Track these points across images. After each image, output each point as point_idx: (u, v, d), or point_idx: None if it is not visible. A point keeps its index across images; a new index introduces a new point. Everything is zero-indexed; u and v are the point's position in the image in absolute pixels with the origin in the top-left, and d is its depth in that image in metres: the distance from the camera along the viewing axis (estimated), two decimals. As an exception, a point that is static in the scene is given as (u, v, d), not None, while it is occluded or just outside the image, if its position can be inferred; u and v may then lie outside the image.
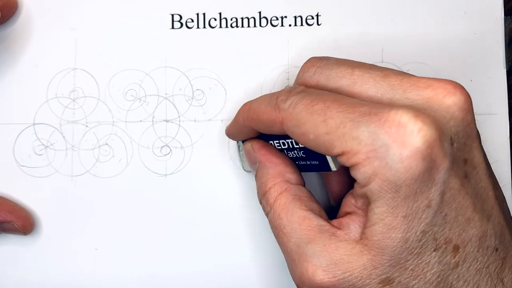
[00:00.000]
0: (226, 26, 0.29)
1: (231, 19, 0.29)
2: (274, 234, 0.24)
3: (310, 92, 0.22)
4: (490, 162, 0.28)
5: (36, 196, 0.29)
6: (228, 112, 0.29)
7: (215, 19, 0.29)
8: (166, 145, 0.29)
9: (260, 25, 0.29)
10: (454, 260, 0.21)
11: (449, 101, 0.20)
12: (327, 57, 0.24)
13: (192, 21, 0.29)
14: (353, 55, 0.29)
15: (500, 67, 0.29)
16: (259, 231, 0.29)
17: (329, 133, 0.20)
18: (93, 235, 0.29)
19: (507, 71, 0.29)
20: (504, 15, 0.29)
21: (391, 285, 0.21)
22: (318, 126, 0.21)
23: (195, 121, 0.29)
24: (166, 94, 0.29)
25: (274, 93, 0.23)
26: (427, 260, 0.21)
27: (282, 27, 0.29)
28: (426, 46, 0.29)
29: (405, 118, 0.19)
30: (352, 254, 0.21)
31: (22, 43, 0.29)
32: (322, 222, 0.23)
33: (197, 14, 0.29)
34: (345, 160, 0.20)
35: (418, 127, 0.19)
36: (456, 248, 0.21)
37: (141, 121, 0.29)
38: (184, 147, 0.29)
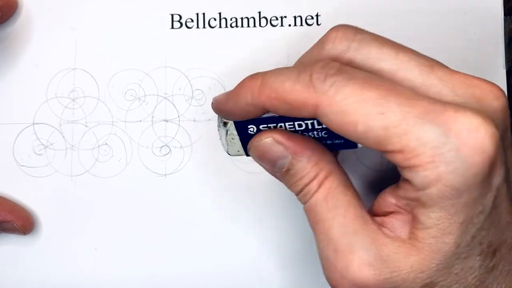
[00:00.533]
0: (226, 26, 0.29)
1: (231, 19, 0.29)
2: (312, 222, 0.21)
3: (354, 74, 0.19)
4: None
5: (36, 196, 0.29)
6: (227, 112, 0.29)
7: (215, 19, 0.29)
8: (165, 145, 0.29)
9: (260, 25, 0.29)
10: (491, 264, 0.20)
11: (497, 104, 0.20)
12: (361, 29, 0.21)
13: (192, 21, 0.29)
14: (353, 55, 0.29)
15: (500, 67, 0.29)
16: (259, 231, 0.29)
17: (387, 128, 0.18)
18: (93, 235, 0.29)
19: (507, 71, 0.29)
20: (504, 15, 0.29)
21: None
22: (373, 118, 0.18)
23: (194, 121, 0.29)
24: (165, 94, 0.29)
25: (301, 67, 0.20)
26: (471, 265, 0.20)
27: (282, 27, 0.29)
28: (426, 46, 0.29)
29: (475, 121, 0.18)
30: (399, 253, 0.20)
31: (22, 43, 0.29)
32: (366, 214, 0.21)
33: (197, 14, 0.29)
34: (401, 160, 0.18)
35: (490, 132, 0.18)
36: (494, 252, 0.20)
37: (140, 121, 0.29)
38: (184, 147, 0.29)
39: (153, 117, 0.29)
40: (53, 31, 0.29)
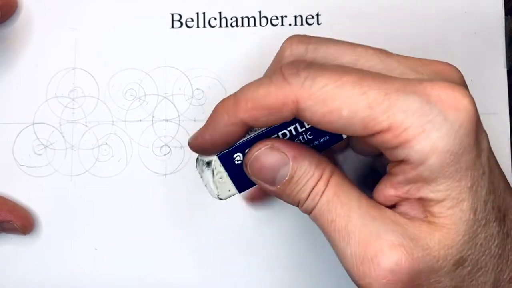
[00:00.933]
0: (226, 26, 0.29)
1: (231, 19, 0.29)
2: (326, 223, 0.20)
3: (325, 65, 0.19)
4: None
5: (36, 196, 0.29)
6: (228, 111, 0.29)
7: (215, 19, 0.29)
8: (165, 145, 0.29)
9: (260, 25, 0.29)
10: (505, 229, 0.20)
11: (457, 74, 0.20)
12: (311, 36, 0.22)
13: (192, 20, 0.29)
14: (353, 55, 0.29)
15: (500, 66, 0.29)
16: (259, 231, 0.29)
17: (372, 107, 0.18)
18: (93, 235, 0.29)
19: (507, 71, 0.29)
20: (505, 15, 0.29)
21: (463, 265, 0.19)
22: (356, 99, 0.18)
23: (194, 120, 0.29)
24: (165, 93, 0.29)
25: (270, 72, 0.20)
26: (491, 232, 0.19)
27: (282, 27, 0.29)
28: (426, 46, 0.29)
29: (450, 87, 0.18)
30: (423, 232, 0.19)
31: (22, 43, 0.29)
32: (377, 203, 0.20)
33: (197, 14, 0.29)
34: (391, 138, 0.18)
35: (465, 93, 0.18)
36: (504, 217, 0.20)
37: (140, 120, 0.29)
38: (184, 147, 0.29)
39: (153, 116, 0.29)
40: (53, 31, 0.29)
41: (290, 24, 0.29)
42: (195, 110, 0.29)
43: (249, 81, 0.29)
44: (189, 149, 0.29)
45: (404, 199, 0.20)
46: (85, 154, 0.29)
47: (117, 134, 0.29)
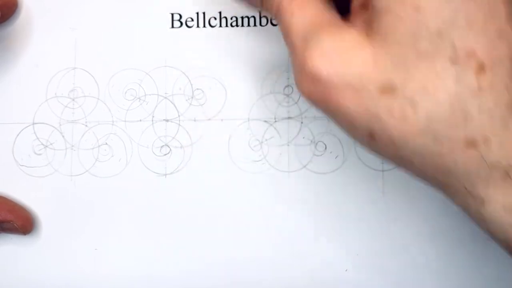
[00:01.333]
0: (226, 25, 0.29)
1: (231, 18, 0.29)
2: (283, 35, 0.20)
3: None
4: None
5: (36, 196, 0.29)
6: (228, 111, 0.29)
7: (215, 18, 0.29)
8: (165, 145, 0.29)
9: (260, 24, 0.29)
10: (477, 84, 0.17)
11: None
12: None
13: (192, 20, 0.29)
14: (353, 55, 0.29)
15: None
16: (259, 231, 0.29)
17: None
18: (93, 235, 0.29)
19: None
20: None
21: (392, 94, 0.17)
22: None
23: (195, 120, 0.29)
24: (165, 93, 0.29)
25: None
26: (440, 72, 0.17)
27: (282, 27, 0.29)
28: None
29: None
30: (355, 45, 0.18)
31: (22, 43, 0.29)
32: (335, 17, 0.19)
33: (197, 13, 0.29)
34: None
35: None
36: (481, 67, 0.17)
37: (140, 120, 0.29)
38: (184, 147, 0.29)
39: (153, 116, 0.29)
40: (53, 31, 0.29)
41: (290, 24, 0.29)
42: (195, 110, 0.29)
43: (249, 81, 0.29)
44: (189, 149, 0.29)
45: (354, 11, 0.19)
46: (85, 154, 0.29)
47: (117, 134, 0.29)
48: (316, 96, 0.19)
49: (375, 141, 0.18)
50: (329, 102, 0.19)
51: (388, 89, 0.17)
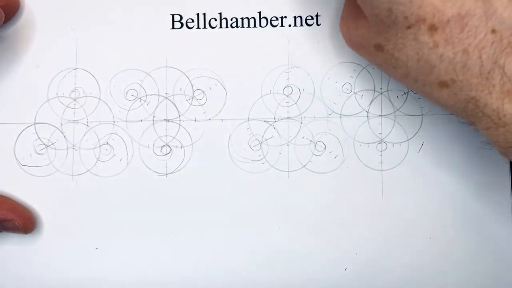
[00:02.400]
0: (226, 26, 0.29)
1: (231, 19, 0.29)
2: None
3: None
4: (489, 161, 0.29)
5: (37, 196, 0.29)
6: (228, 111, 0.29)
7: (215, 19, 0.29)
8: (166, 145, 0.29)
9: (260, 25, 0.29)
10: (432, 40, 0.21)
11: None
12: None
13: (192, 21, 0.29)
14: (352, 55, 0.29)
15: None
16: (258, 231, 0.29)
17: None
18: (94, 234, 0.29)
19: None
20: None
21: (382, 51, 0.23)
22: None
23: (195, 120, 0.29)
24: (166, 93, 0.29)
25: None
26: (403, 36, 0.22)
27: (282, 27, 0.29)
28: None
29: None
30: (354, 17, 0.25)
31: (23, 43, 0.29)
32: None
33: (197, 14, 0.29)
34: None
35: None
36: (433, 28, 0.21)
37: (141, 120, 0.29)
38: (185, 147, 0.29)
39: (154, 116, 0.29)
40: (54, 31, 0.29)
41: (289, 25, 0.29)
42: (196, 110, 0.29)
43: (249, 81, 0.29)
44: (189, 149, 0.29)
45: None
46: (86, 154, 0.29)
47: (118, 134, 0.29)
48: None
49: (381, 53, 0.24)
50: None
51: (379, 47, 0.24)
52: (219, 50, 0.29)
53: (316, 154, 0.29)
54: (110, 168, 0.29)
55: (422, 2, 0.21)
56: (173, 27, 0.29)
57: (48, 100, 0.29)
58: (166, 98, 0.29)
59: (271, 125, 0.29)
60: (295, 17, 0.29)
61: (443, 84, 0.22)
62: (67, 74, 0.29)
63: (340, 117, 0.29)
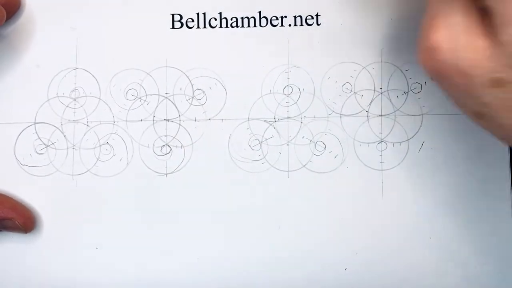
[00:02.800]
0: (226, 26, 0.29)
1: (231, 19, 0.29)
2: None
3: None
4: (489, 161, 0.29)
5: (37, 195, 0.29)
6: (228, 111, 0.29)
7: (215, 19, 0.29)
8: (166, 144, 0.29)
9: (260, 25, 0.29)
10: None
11: None
12: None
13: (192, 21, 0.30)
14: (352, 55, 0.29)
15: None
16: (258, 231, 0.29)
17: None
18: (94, 233, 0.29)
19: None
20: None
21: (500, 88, 0.18)
22: None
23: (195, 120, 0.29)
24: (166, 93, 0.29)
25: None
26: None
27: (282, 27, 0.29)
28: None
29: None
30: (477, 33, 0.19)
31: (23, 43, 0.29)
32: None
33: (197, 14, 0.29)
34: None
35: None
36: None
37: (141, 120, 0.29)
38: (185, 146, 0.29)
39: (154, 116, 0.29)
40: (55, 31, 0.29)
41: (290, 25, 0.29)
42: (196, 110, 0.29)
43: (249, 81, 0.29)
44: (189, 148, 0.29)
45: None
46: (86, 154, 0.29)
47: (118, 134, 0.29)
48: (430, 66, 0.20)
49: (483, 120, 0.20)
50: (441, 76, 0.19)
51: (497, 83, 0.18)
52: (219, 50, 0.29)
53: (316, 154, 0.29)
54: (110, 168, 0.29)
55: None
56: (173, 27, 0.29)
57: (48, 100, 0.29)
58: (166, 98, 0.29)
59: (271, 125, 0.29)
60: (295, 17, 0.29)
61: None
62: (67, 74, 0.29)
63: (340, 117, 0.29)
